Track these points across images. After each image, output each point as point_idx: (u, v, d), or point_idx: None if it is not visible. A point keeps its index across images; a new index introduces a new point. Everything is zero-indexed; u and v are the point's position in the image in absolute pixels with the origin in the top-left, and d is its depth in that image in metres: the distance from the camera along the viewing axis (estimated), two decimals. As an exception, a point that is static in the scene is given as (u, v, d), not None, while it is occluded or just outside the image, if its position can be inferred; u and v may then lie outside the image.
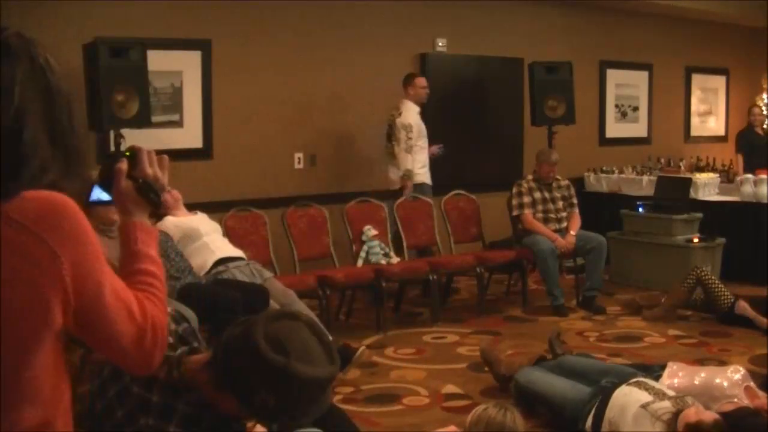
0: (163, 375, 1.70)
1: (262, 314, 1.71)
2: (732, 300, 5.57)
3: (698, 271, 5.74)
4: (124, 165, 1.49)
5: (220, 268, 4.72)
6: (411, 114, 6.49)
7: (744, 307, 5.44)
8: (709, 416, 2.97)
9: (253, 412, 1.73)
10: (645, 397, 3.21)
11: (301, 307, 4.62)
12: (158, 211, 1.46)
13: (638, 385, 3.34)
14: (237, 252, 4.95)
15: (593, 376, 3.71)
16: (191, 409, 1.70)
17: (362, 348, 4.65)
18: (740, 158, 8.50)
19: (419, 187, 6.57)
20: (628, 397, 3.28)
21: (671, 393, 3.24)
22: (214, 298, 4.14)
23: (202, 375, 1.68)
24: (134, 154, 1.51)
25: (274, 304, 4.45)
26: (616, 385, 3.43)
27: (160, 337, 1.33)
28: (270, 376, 1.58)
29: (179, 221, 4.87)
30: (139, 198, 1.48)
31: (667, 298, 5.90)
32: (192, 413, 1.70)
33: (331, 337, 1.76)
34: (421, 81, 6.64)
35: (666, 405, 3.08)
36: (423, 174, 6.60)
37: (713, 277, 5.75)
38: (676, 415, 3.02)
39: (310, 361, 1.62)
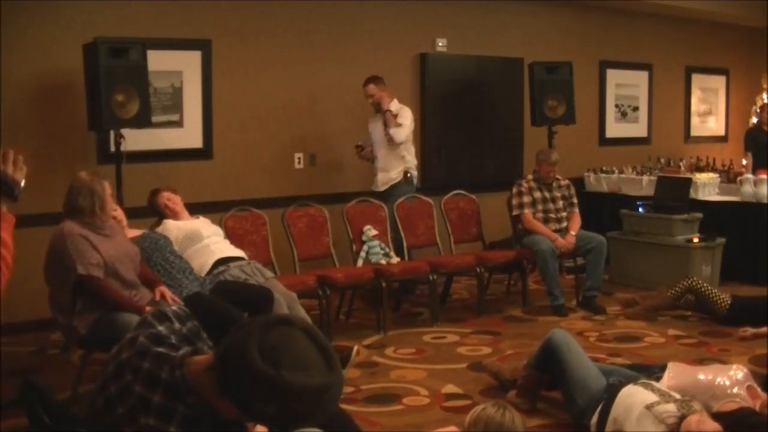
0: (166, 375, 1.70)
1: (257, 321, 1.68)
2: (729, 302, 5.56)
3: (690, 282, 5.73)
4: None
5: (221, 267, 4.71)
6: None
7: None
8: (711, 427, 2.95)
9: (254, 419, 1.73)
10: (651, 397, 3.18)
11: (300, 311, 4.61)
12: (14, 202, 1.91)
13: (645, 385, 3.32)
14: (237, 252, 4.96)
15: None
16: (192, 411, 1.70)
17: (356, 348, 4.64)
18: (749, 157, 8.47)
19: None
20: (634, 396, 3.26)
21: (677, 396, 3.23)
22: (215, 311, 4.10)
23: (204, 377, 1.67)
24: None
25: (280, 304, 4.42)
26: (622, 384, 3.42)
27: None
28: (264, 386, 1.57)
29: (182, 223, 4.93)
30: None
31: (649, 299, 5.89)
32: (192, 415, 1.70)
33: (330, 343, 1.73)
34: (365, 89, 6.49)
35: (671, 408, 3.05)
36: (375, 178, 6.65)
37: (706, 285, 5.72)
38: (680, 419, 3.00)
39: (305, 370, 1.59)
